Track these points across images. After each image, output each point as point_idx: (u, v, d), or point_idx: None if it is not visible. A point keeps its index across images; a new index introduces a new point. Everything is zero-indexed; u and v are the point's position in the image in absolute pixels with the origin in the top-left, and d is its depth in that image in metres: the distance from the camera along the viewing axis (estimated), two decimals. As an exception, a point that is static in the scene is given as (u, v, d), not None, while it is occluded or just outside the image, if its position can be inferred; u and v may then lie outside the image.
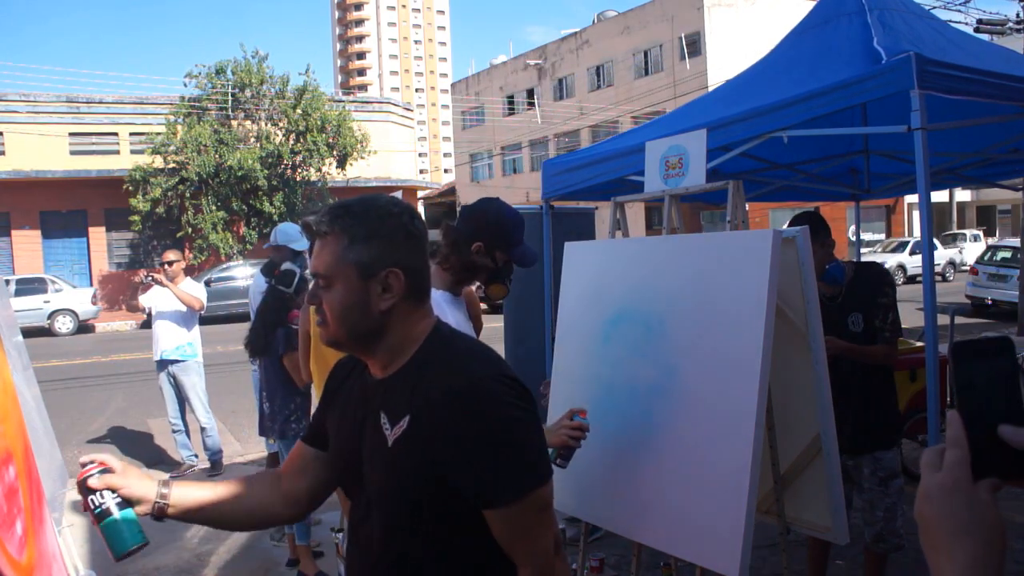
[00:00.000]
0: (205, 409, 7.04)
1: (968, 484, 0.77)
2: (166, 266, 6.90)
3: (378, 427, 1.56)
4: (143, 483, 1.59)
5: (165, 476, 1.58)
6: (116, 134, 28.81)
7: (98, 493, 1.54)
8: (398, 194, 5.98)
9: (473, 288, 2.91)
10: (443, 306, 2.51)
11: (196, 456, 7.19)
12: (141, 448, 8.13)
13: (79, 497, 1.57)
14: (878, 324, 3.59)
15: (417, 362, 1.56)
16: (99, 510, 1.53)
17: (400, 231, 1.54)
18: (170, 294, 6.83)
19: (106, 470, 1.56)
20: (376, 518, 1.58)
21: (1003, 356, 0.81)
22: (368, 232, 1.51)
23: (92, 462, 1.58)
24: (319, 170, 27.21)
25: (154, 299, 6.94)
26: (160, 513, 1.60)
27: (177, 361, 6.93)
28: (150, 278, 6.90)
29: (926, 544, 0.79)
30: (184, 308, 6.84)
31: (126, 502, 1.55)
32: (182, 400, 7.04)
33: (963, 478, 0.78)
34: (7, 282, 20.06)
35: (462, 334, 1.69)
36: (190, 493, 1.65)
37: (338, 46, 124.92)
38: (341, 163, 27.23)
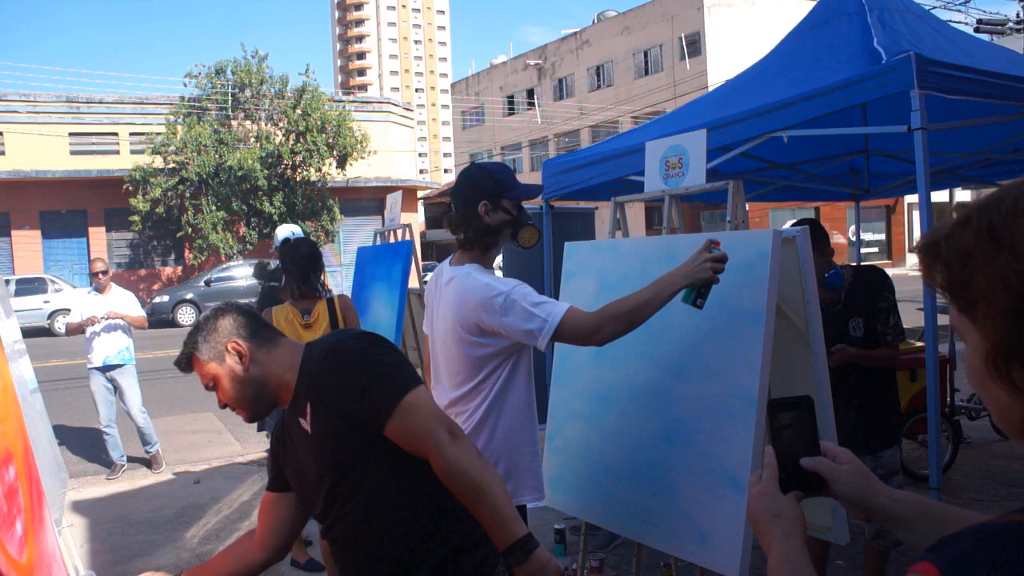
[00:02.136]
0: (141, 410, 7.21)
1: (775, 490, 1.12)
2: (100, 275, 7.03)
3: (301, 432, 1.94)
4: None
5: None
6: (116, 134, 28.81)
7: None
8: (398, 194, 5.99)
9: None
10: (473, 274, 2.54)
11: (125, 457, 7.32)
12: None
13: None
14: (880, 328, 3.62)
15: (302, 374, 1.96)
16: None
17: (214, 323, 1.99)
18: (107, 303, 6.98)
19: None
20: (330, 507, 1.91)
21: (804, 408, 1.17)
22: (202, 339, 1.98)
23: None
24: (319, 170, 27.21)
25: (92, 309, 6.99)
26: None
27: (118, 366, 7.07)
28: (91, 321, 6.94)
29: (758, 535, 1.11)
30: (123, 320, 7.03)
31: None
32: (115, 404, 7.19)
33: (772, 487, 1.13)
34: (7, 282, 20.18)
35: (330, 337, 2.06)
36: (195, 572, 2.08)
37: (338, 46, 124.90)
38: (341, 163, 27.23)
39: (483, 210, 2.56)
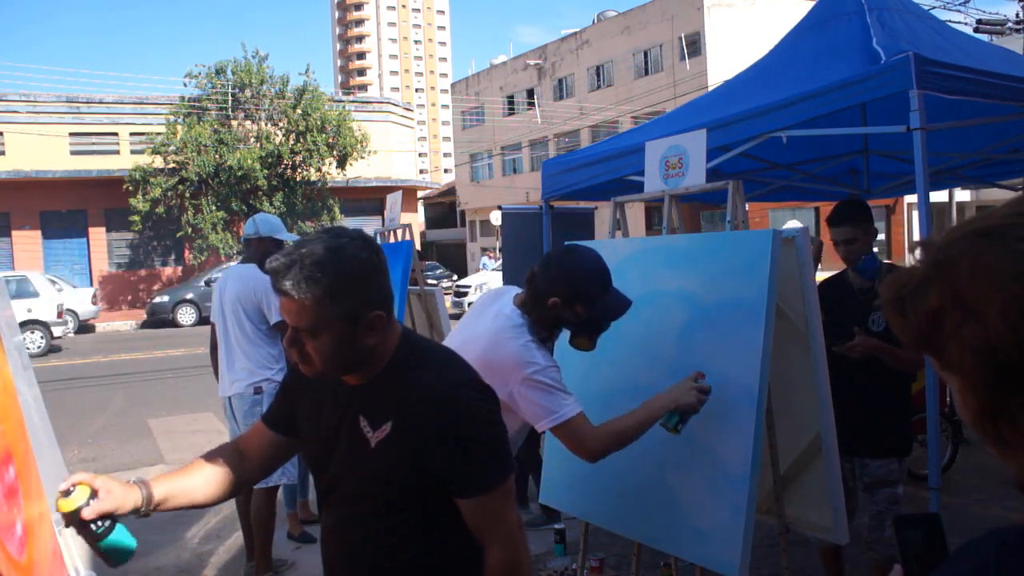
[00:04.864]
0: None
1: None
2: None
3: (357, 429, 1.71)
4: (129, 496, 1.67)
5: (136, 479, 1.70)
6: (116, 134, 28.81)
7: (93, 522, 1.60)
8: (398, 194, 5.99)
9: None
10: (520, 331, 2.47)
11: None
12: (141, 448, 8.13)
13: (64, 522, 1.62)
14: None
15: (392, 369, 1.71)
16: (100, 531, 1.61)
17: (373, 273, 1.65)
18: None
19: (93, 494, 1.62)
20: (353, 508, 1.75)
21: (935, 527, 1.06)
22: (347, 286, 1.60)
23: (70, 490, 1.63)
24: (319, 170, 27.22)
25: None
26: (148, 515, 1.73)
27: None
28: None
29: None
30: None
31: (115, 519, 1.64)
32: None
33: None
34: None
35: (428, 340, 1.87)
36: (170, 491, 1.77)
37: (338, 46, 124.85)
38: (341, 163, 27.23)
39: (552, 304, 2.49)
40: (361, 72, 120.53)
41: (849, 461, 3.55)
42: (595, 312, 2.53)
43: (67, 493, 1.62)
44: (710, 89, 18.12)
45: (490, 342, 2.46)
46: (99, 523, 1.61)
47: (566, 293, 2.48)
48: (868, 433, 3.49)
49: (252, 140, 26.82)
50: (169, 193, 25.68)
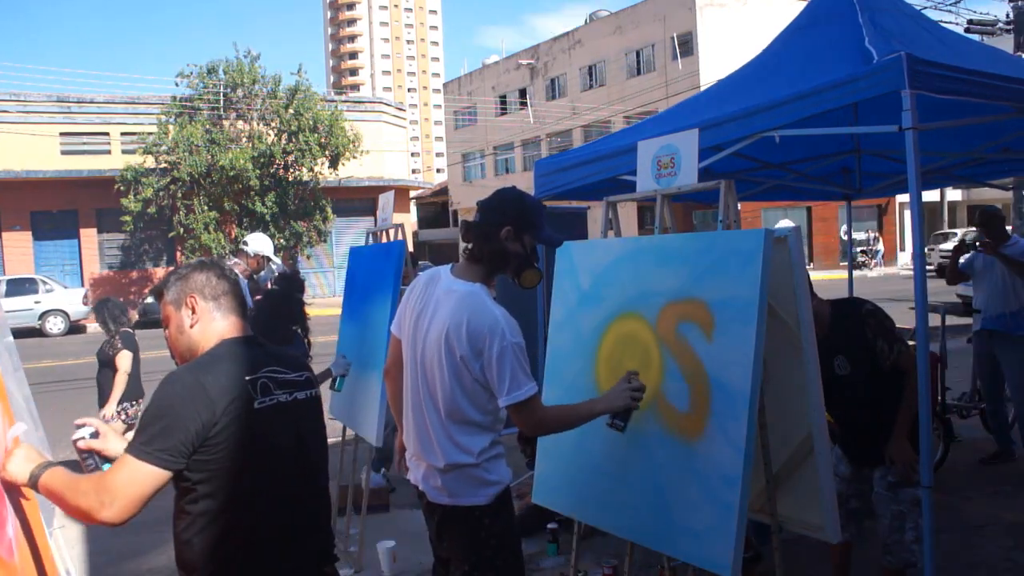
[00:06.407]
0: None
1: None
2: None
3: None
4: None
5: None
6: (107, 134, 28.69)
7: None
8: (390, 194, 5.98)
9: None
10: (485, 299, 2.55)
11: None
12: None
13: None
14: (886, 351, 3.42)
15: None
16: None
17: (190, 272, 2.19)
18: None
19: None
20: None
21: None
22: (173, 280, 2.21)
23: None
24: (311, 170, 27.09)
25: None
26: None
27: None
28: None
29: None
30: None
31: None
32: None
33: None
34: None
35: (252, 348, 2.17)
36: None
37: (330, 46, 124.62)
38: (333, 163, 27.13)
39: (505, 235, 2.59)
40: (353, 72, 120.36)
41: (871, 468, 3.58)
42: (540, 240, 2.68)
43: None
44: (702, 89, 18.14)
45: (457, 321, 2.51)
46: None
47: (516, 220, 2.60)
48: (889, 437, 3.47)
49: (244, 140, 26.69)
50: (161, 193, 25.55)
